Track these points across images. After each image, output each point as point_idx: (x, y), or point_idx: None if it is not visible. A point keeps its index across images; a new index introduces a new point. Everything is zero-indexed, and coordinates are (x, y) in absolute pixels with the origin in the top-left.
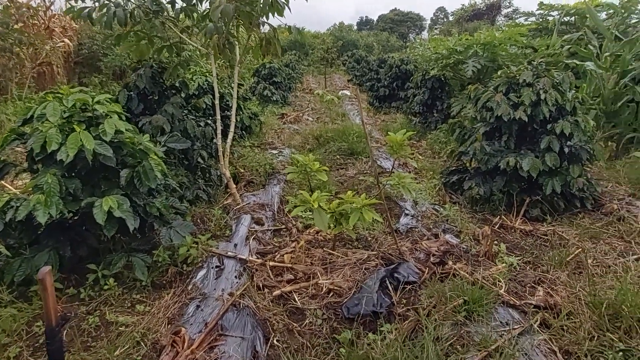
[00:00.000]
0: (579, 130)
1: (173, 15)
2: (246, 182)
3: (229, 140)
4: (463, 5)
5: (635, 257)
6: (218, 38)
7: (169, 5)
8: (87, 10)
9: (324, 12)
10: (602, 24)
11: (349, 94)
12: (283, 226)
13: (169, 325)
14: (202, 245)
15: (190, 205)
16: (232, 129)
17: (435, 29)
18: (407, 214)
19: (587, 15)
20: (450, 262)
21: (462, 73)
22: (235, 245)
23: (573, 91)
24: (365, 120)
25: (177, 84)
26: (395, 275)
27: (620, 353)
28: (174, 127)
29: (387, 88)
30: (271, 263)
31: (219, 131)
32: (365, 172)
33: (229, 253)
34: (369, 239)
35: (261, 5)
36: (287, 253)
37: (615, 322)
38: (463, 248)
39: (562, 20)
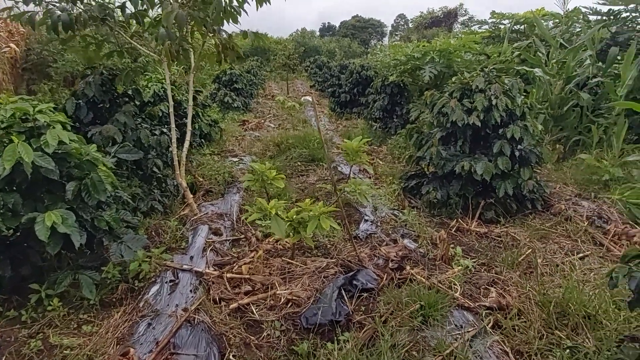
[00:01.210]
0: (528, 135)
1: (123, 20)
2: (205, 192)
3: (184, 149)
4: (422, 12)
5: (580, 255)
6: (170, 44)
7: (119, 10)
8: (28, 14)
9: (287, 18)
10: (547, 32)
11: (311, 100)
12: (242, 236)
13: (118, 346)
14: (155, 260)
15: (145, 218)
16: (188, 137)
17: (396, 35)
18: (366, 220)
19: (535, 24)
20: (408, 267)
21: (420, 79)
22: (192, 257)
23: (522, 97)
24: (327, 126)
25: (129, 92)
26: (354, 282)
27: (568, 350)
28: (126, 137)
29: (348, 94)
30: (229, 275)
31: (174, 140)
32: (326, 178)
33: (185, 266)
34: (329, 246)
35: (214, 11)
36: (245, 264)
37: (563, 319)
38: (421, 252)
39: (513, 28)
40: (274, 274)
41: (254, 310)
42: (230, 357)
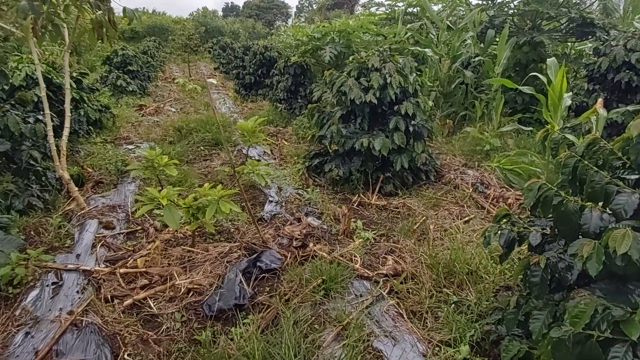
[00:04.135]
0: (420, 111)
1: None
2: (94, 183)
3: (64, 138)
4: None
5: (466, 219)
6: (34, 19)
7: None
8: None
9: None
10: (435, 15)
11: (215, 82)
12: (139, 227)
13: None
14: (33, 262)
15: (21, 216)
16: (67, 124)
17: (301, 16)
18: (271, 201)
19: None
20: (311, 244)
21: (322, 59)
22: (78, 255)
23: (414, 75)
24: (232, 109)
25: None
26: (258, 264)
27: (453, 305)
28: None
29: (252, 75)
30: (122, 270)
31: (49, 127)
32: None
33: (70, 266)
34: (232, 230)
35: None
36: (141, 257)
37: (450, 278)
38: (324, 229)
39: (407, 11)
40: (173, 264)
41: (151, 304)
42: (125, 356)
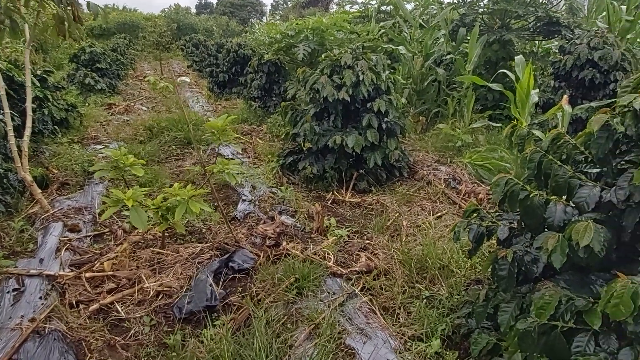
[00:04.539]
0: (392, 108)
1: None
2: (60, 185)
3: (25, 138)
4: None
5: (438, 214)
6: None
7: None
8: None
9: None
10: (408, 13)
11: (188, 80)
12: (106, 229)
13: None
14: None
15: None
16: (28, 123)
17: (276, 14)
18: (244, 200)
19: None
20: (284, 243)
21: (296, 57)
22: (42, 260)
23: (387, 72)
24: (205, 107)
25: None
26: (230, 264)
27: (425, 300)
28: None
29: (226, 73)
30: (88, 274)
31: (10, 127)
32: (204, 161)
33: (32, 271)
34: (204, 230)
35: None
36: (108, 260)
37: (422, 273)
38: (298, 227)
39: (380, 9)
40: (142, 266)
41: (119, 308)
42: None
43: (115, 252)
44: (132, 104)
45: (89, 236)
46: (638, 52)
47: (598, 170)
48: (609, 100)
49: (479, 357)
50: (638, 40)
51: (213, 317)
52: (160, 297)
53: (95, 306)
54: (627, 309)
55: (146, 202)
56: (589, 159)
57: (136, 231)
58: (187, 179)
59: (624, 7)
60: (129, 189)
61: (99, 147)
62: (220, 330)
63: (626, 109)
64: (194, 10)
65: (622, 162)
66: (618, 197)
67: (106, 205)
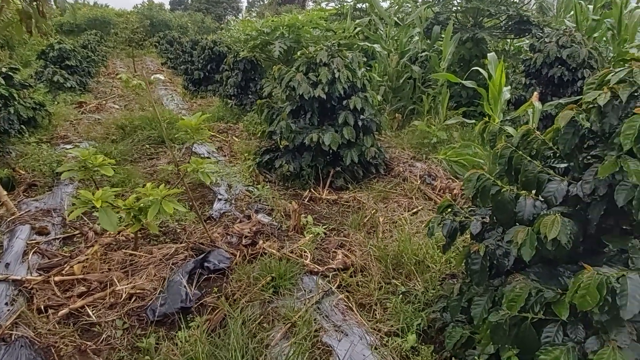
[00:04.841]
0: (368, 105)
1: None
2: (27, 186)
3: None
4: None
5: (414, 210)
6: None
7: None
8: None
9: None
10: (383, 11)
11: (162, 78)
12: (77, 232)
13: None
14: None
15: None
16: None
17: (252, 11)
18: (220, 199)
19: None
20: (261, 242)
21: (272, 54)
22: (7, 264)
23: (363, 70)
24: (180, 105)
25: None
26: (206, 264)
27: (401, 295)
28: None
29: (201, 71)
30: (57, 278)
31: None
32: (179, 160)
33: None
34: (179, 230)
35: None
36: (78, 263)
37: (399, 269)
38: (274, 225)
39: (356, 7)
40: (114, 269)
41: (90, 312)
42: None
43: (85, 255)
44: (104, 102)
45: (58, 239)
46: (604, 50)
47: (566, 165)
48: (577, 97)
49: (453, 350)
50: (604, 38)
51: (188, 319)
52: (133, 300)
53: (65, 311)
54: (593, 299)
55: (117, 202)
56: (557, 154)
57: (108, 233)
58: (161, 178)
59: (590, 7)
60: (98, 189)
61: (68, 146)
62: (195, 332)
63: (591, 106)
64: (168, 7)
65: (588, 157)
66: (584, 191)
67: (75, 207)
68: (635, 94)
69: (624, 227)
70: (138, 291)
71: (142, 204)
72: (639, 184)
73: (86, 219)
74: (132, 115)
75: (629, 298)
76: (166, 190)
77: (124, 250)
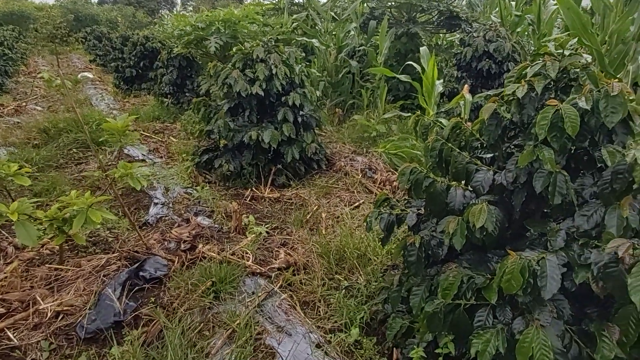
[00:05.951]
0: (307, 101)
1: None
2: None
3: None
4: None
5: (356, 204)
6: None
7: None
8: None
9: None
10: (319, 6)
11: (91, 76)
12: None
13: None
14: None
15: None
16: None
17: (188, 5)
18: (157, 203)
19: None
20: (200, 245)
21: (208, 50)
22: None
23: (301, 65)
24: (112, 105)
25: None
26: (141, 273)
27: (344, 290)
28: None
29: (133, 68)
30: None
31: None
32: (110, 164)
33: None
34: (110, 240)
35: None
36: None
37: (341, 264)
38: (215, 227)
39: (293, 1)
40: (37, 286)
41: (10, 335)
42: None
43: (4, 273)
44: (24, 103)
45: None
46: (526, 44)
47: (492, 155)
48: (502, 89)
49: (394, 340)
50: (526, 33)
51: (123, 333)
52: (60, 318)
53: None
54: (517, 282)
55: (36, 214)
56: (484, 145)
57: (30, 247)
58: (90, 184)
59: (513, 3)
60: (14, 200)
61: None
62: (129, 347)
63: (511, 98)
64: (95, 0)
65: (511, 147)
66: (507, 179)
67: None
68: (549, 86)
69: (545, 211)
70: (65, 308)
71: (66, 214)
72: (553, 171)
73: (5, 233)
74: (56, 117)
75: (548, 279)
76: (93, 197)
77: (48, 265)
